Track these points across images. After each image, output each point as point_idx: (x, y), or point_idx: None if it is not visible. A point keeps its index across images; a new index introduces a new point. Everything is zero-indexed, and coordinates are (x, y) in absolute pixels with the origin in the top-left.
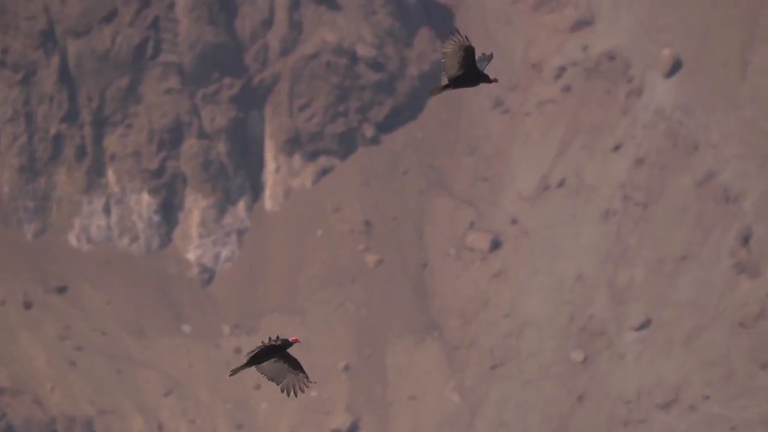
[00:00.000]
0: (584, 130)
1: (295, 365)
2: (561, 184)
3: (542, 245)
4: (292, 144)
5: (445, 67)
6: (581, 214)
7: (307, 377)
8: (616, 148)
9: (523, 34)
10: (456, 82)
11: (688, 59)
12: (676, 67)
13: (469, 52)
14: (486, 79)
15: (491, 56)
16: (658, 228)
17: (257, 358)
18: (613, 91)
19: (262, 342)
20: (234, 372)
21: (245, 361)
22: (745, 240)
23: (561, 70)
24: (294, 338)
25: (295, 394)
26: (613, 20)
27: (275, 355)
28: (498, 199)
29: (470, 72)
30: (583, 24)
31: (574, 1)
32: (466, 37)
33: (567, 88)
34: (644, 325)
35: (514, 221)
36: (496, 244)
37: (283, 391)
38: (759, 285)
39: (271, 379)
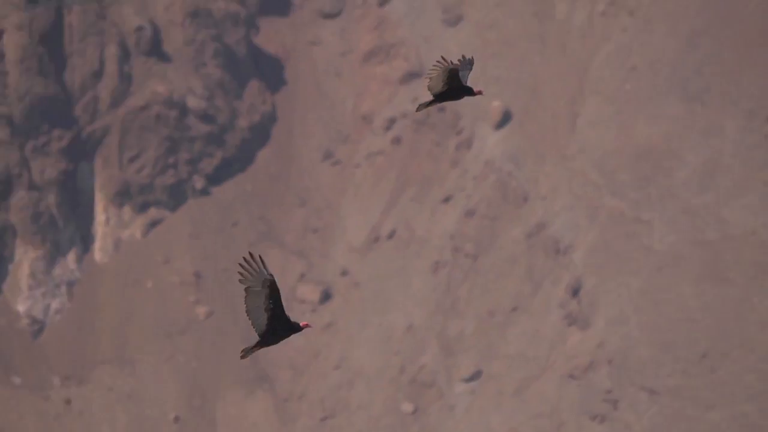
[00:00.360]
0: (414, 181)
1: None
2: (391, 235)
3: (372, 297)
4: (122, 196)
5: (430, 87)
6: (411, 265)
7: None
8: (446, 199)
9: (353, 86)
10: (441, 97)
11: (517, 111)
12: (505, 118)
13: (453, 73)
14: (469, 92)
15: (472, 60)
16: (488, 280)
17: (269, 338)
18: (442, 143)
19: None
20: (245, 354)
21: (256, 343)
22: (575, 291)
23: (391, 122)
24: (305, 323)
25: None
26: None
27: (286, 336)
28: (328, 250)
29: (454, 88)
30: (412, 76)
31: (403, 53)
32: (451, 62)
33: (397, 140)
34: (474, 376)
35: (344, 273)
36: (326, 296)
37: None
38: (589, 336)
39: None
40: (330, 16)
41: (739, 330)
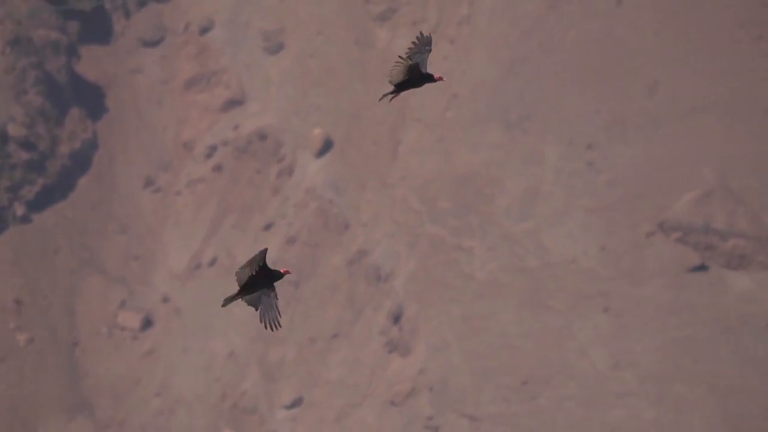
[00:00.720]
0: (235, 209)
1: (270, 287)
2: (212, 263)
3: (194, 323)
4: None
5: (392, 80)
6: (232, 292)
7: (276, 295)
8: (268, 227)
9: (174, 114)
10: (401, 86)
11: (339, 139)
12: (327, 146)
13: (414, 67)
14: (430, 79)
15: (429, 39)
16: (309, 307)
17: (248, 287)
18: (264, 171)
19: (254, 272)
20: (226, 303)
21: (237, 292)
22: (396, 318)
23: (212, 150)
24: (285, 270)
25: (272, 329)
26: (264, 100)
27: (265, 285)
28: (149, 277)
29: (414, 77)
30: (234, 103)
31: (225, 80)
32: (409, 57)
33: (218, 168)
34: (295, 403)
35: (165, 300)
36: (147, 323)
37: (261, 322)
38: (410, 363)
39: (250, 304)
40: (151, 44)
41: (560, 357)
